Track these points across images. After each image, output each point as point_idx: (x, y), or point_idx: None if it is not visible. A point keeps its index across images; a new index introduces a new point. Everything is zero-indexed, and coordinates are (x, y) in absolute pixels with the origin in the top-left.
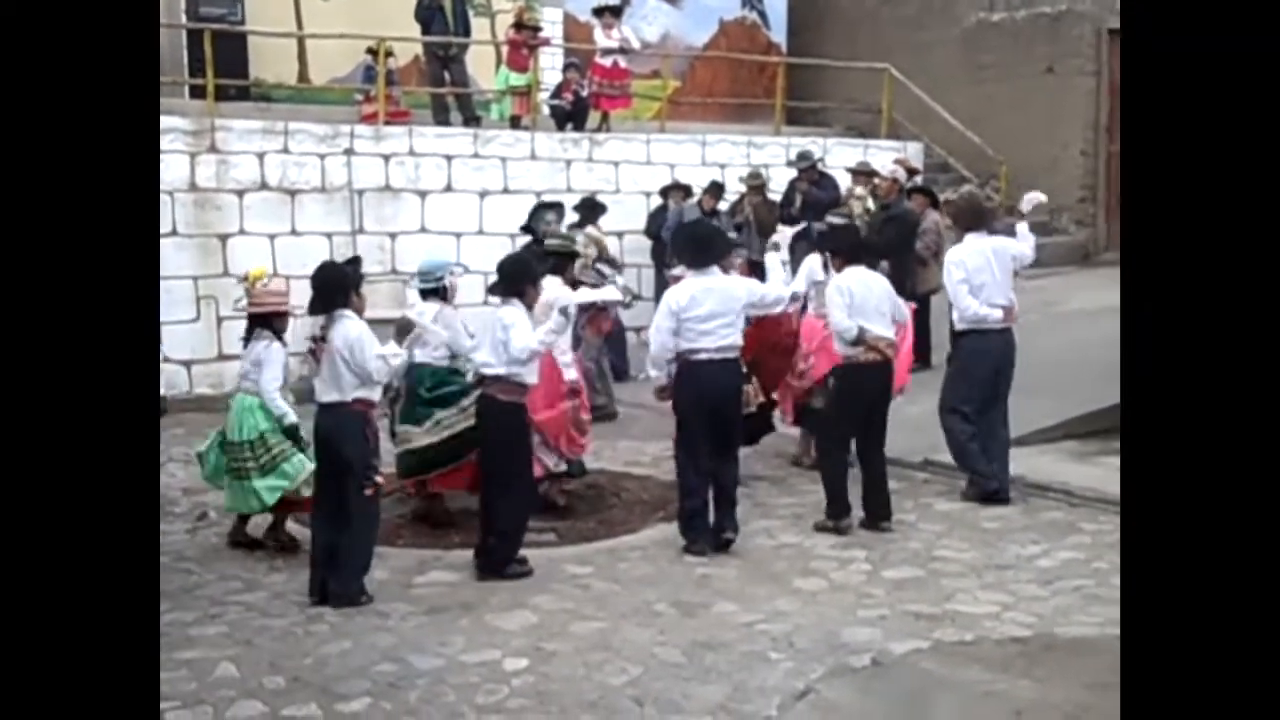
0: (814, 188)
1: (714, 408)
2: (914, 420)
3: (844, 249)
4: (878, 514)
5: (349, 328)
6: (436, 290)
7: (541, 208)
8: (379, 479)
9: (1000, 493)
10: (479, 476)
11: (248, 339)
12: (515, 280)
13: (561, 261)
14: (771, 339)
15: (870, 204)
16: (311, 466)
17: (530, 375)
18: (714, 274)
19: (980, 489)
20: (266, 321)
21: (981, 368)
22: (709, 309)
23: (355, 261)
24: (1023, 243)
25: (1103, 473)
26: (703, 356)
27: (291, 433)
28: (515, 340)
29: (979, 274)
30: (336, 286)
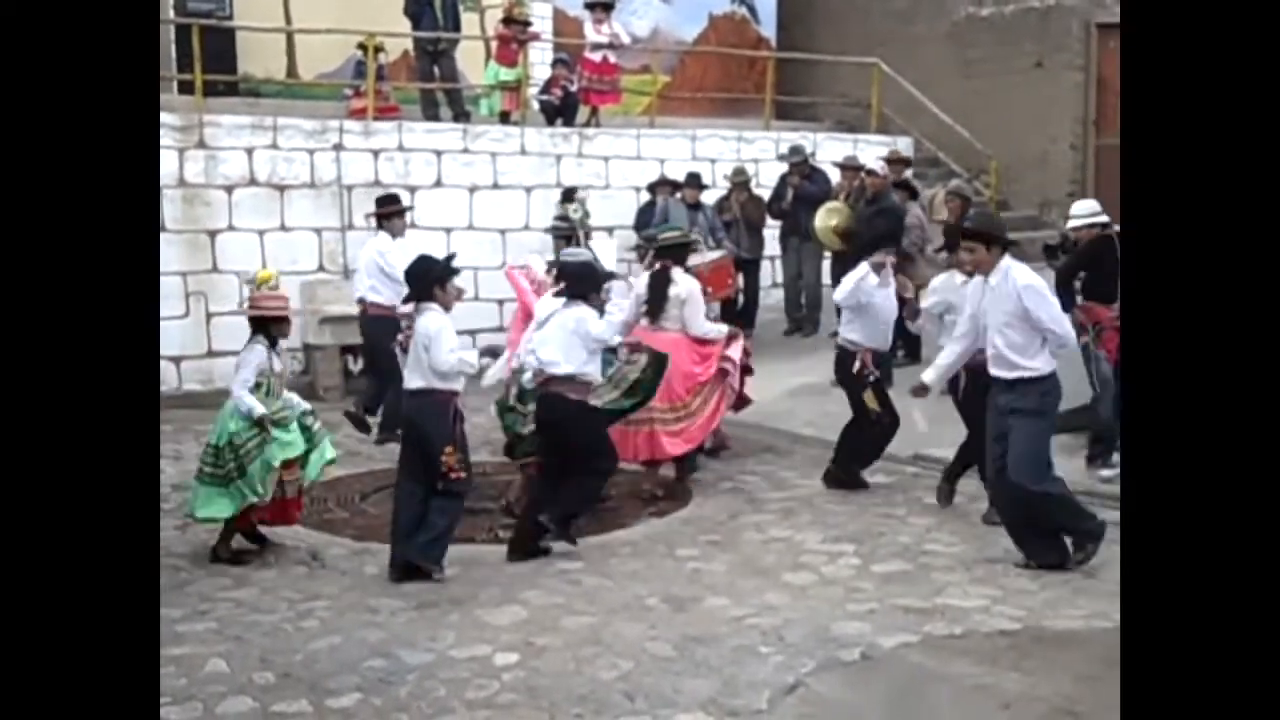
0: (805, 182)
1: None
2: (904, 416)
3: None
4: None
5: (430, 321)
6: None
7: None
8: (450, 463)
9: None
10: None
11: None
12: (585, 281)
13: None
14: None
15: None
16: (275, 464)
17: (598, 372)
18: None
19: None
20: (263, 325)
21: None
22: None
23: (450, 258)
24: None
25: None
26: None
27: (260, 423)
28: (594, 329)
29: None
30: (422, 279)
